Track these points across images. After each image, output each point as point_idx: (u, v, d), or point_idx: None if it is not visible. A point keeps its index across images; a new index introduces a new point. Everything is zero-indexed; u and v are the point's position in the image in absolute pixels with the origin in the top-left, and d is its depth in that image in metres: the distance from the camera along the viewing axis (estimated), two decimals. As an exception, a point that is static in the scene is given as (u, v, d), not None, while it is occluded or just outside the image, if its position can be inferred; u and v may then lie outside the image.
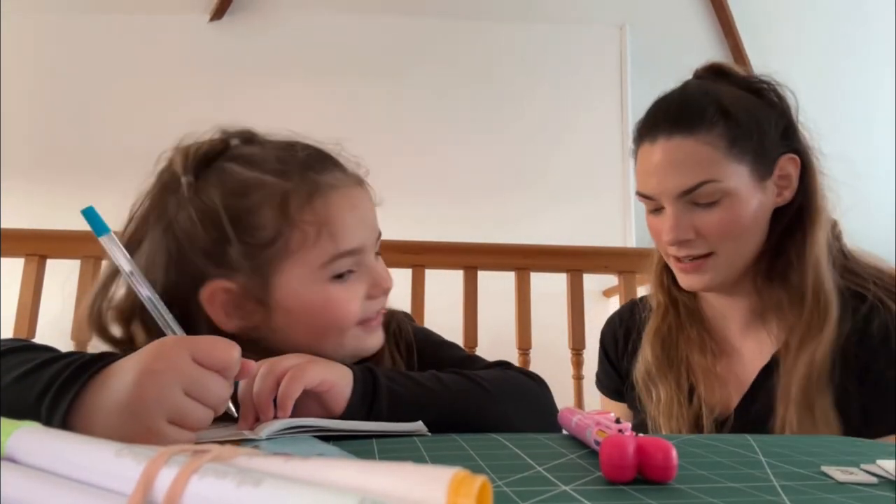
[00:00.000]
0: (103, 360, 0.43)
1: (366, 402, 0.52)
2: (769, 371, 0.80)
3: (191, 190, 0.60)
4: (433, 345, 0.74)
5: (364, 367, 0.55)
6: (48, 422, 0.39)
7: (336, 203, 0.60)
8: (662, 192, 0.80)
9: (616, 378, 0.97)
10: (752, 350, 0.85)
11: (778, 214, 0.81)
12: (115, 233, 0.53)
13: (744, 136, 0.78)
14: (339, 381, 0.51)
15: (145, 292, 0.52)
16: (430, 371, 0.61)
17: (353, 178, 0.64)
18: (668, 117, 0.81)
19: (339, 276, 0.60)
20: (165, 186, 0.61)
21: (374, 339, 0.65)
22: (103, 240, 0.52)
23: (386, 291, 0.64)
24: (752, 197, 0.78)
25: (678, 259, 0.83)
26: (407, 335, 0.72)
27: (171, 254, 0.59)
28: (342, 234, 0.60)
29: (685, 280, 0.84)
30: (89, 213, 0.51)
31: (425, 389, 0.57)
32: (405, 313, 0.78)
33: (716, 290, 0.86)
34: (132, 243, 0.60)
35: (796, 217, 0.81)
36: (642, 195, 0.84)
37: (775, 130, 0.80)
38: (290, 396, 0.48)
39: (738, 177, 0.77)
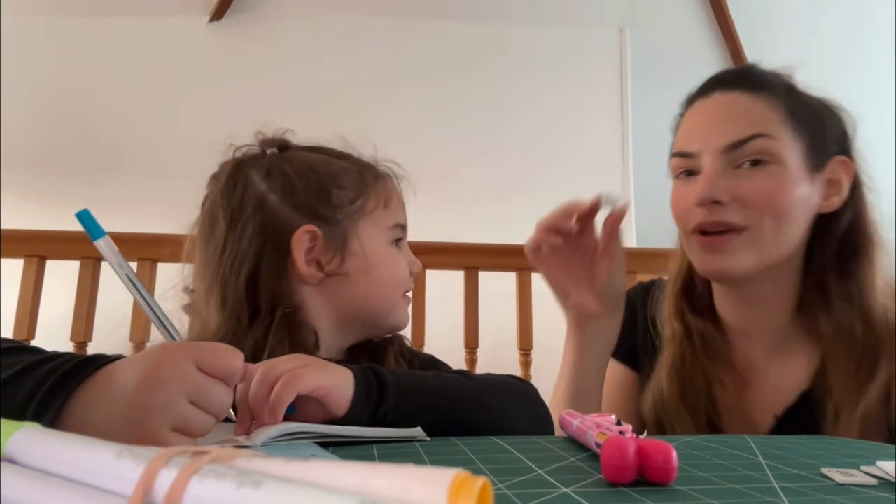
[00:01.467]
0: (93, 365, 0.42)
1: (371, 401, 0.52)
2: (804, 400, 0.73)
3: (279, 158, 0.73)
4: (431, 362, 0.79)
5: (367, 366, 0.55)
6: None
7: (392, 186, 0.77)
8: (706, 146, 0.73)
9: (627, 343, 0.87)
10: (780, 376, 0.76)
11: (823, 230, 0.74)
12: (110, 235, 0.52)
13: (804, 117, 0.73)
14: (336, 384, 0.51)
15: (143, 295, 0.52)
16: (432, 371, 0.63)
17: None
18: (729, 76, 0.76)
19: (395, 243, 0.75)
20: (240, 165, 0.73)
21: (406, 316, 0.77)
22: (99, 243, 0.51)
23: (418, 272, 0.78)
24: (800, 180, 0.71)
25: (702, 233, 0.73)
26: (409, 351, 0.78)
27: (254, 219, 0.69)
28: (398, 210, 0.76)
29: (705, 261, 0.74)
30: (84, 216, 0.50)
31: (430, 385, 0.57)
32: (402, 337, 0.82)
33: (737, 282, 0.76)
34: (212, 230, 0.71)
35: (845, 242, 0.74)
36: (680, 154, 0.76)
37: (835, 130, 0.76)
38: (281, 403, 0.47)
39: (791, 150, 0.71)
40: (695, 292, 0.83)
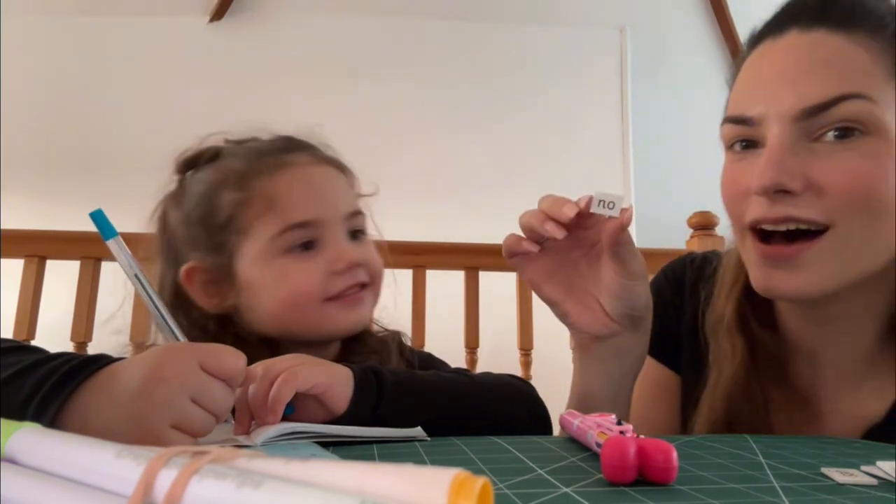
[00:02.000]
0: (94, 365, 0.42)
1: (370, 399, 0.52)
2: (871, 436, 0.57)
3: (183, 184, 0.69)
4: (429, 359, 0.78)
5: (366, 365, 0.55)
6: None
7: (285, 179, 0.64)
8: (772, 109, 0.52)
9: (665, 334, 0.71)
10: (850, 407, 0.59)
11: None
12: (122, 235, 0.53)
13: None
14: (335, 381, 0.51)
15: (150, 295, 0.53)
16: (432, 371, 0.63)
17: (317, 158, 0.69)
18: (814, 4, 0.54)
19: (300, 249, 0.64)
20: (163, 197, 0.71)
21: (355, 316, 0.66)
22: (111, 243, 0.52)
23: (350, 265, 0.65)
24: None
25: (762, 236, 0.53)
26: (408, 349, 0.75)
27: (166, 251, 0.68)
28: (291, 207, 0.63)
29: (766, 277, 0.54)
30: (98, 217, 0.51)
31: (429, 384, 0.57)
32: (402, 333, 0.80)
33: (809, 303, 0.57)
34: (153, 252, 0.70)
35: None
36: (735, 119, 0.55)
37: None
38: (280, 400, 0.47)
39: None
40: (756, 296, 0.60)
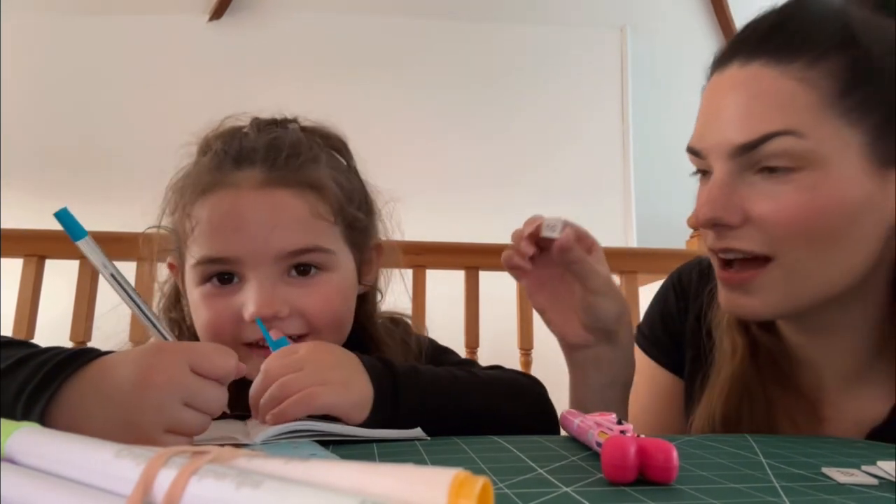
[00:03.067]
0: (83, 357, 0.42)
1: (382, 419, 0.51)
2: (875, 436, 0.57)
3: None
4: (436, 349, 0.75)
5: (384, 378, 0.52)
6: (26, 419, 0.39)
7: (210, 205, 0.57)
8: (713, 145, 0.54)
9: (669, 338, 0.73)
10: (857, 410, 0.59)
11: None
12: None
13: (874, 87, 0.49)
14: (354, 405, 0.50)
15: (130, 295, 0.51)
16: (446, 367, 0.61)
17: (272, 178, 0.58)
18: (756, 35, 0.54)
19: (218, 282, 0.57)
20: None
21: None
22: (81, 244, 0.49)
23: (249, 319, 0.56)
24: (854, 183, 0.49)
25: (723, 263, 0.56)
26: (420, 339, 0.73)
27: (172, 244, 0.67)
28: (207, 238, 0.57)
29: (726, 299, 0.57)
30: (63, 216, 0.48)
31: (443, 395, 0.55)
32: (406, 315, 0.78)
33: (777, 318, 0.59)
34: None
35: None
36: (690, 151, 0.58)
37: None
38: (289, 417, 0.47)
39: (838, 143, 0.49)
40: None
